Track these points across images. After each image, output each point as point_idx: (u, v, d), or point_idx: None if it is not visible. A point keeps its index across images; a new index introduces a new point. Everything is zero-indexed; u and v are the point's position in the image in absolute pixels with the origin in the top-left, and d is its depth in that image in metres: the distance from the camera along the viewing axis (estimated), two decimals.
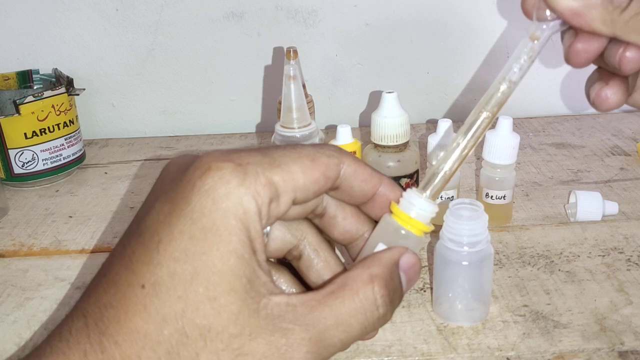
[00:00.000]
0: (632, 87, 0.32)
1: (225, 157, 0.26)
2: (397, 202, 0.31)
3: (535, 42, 0.30)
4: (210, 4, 0.78)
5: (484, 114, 0.31)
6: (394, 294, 0.28)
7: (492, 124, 0.55)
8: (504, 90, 0.31)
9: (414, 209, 0.31)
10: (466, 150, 0.31)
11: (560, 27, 0.30)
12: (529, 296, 0.46)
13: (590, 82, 0.32)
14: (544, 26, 0.30)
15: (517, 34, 0.79)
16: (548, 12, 0.29)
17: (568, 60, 0.30)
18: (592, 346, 0.41)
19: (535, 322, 0.43)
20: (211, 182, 0.25)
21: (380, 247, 0.30)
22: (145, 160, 0.76)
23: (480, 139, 0.32)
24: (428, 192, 0.31)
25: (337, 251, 0.34)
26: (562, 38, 0.31)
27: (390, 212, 0.31)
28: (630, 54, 0.29)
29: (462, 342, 0.42)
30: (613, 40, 0.29)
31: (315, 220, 0.32)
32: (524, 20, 0.31)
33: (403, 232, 0.30)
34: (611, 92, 0.31)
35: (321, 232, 0.33)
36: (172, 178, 0.27)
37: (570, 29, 0.30)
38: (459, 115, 0.82)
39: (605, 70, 0.32)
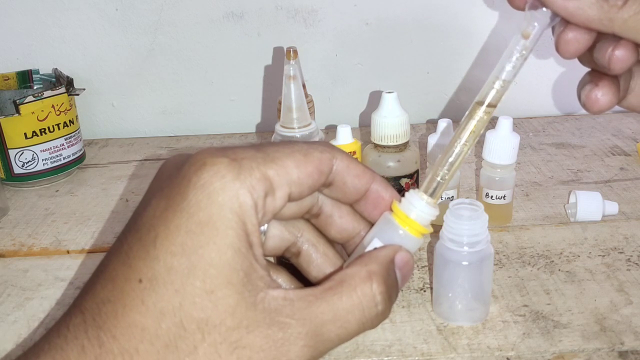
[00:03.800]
0: (625, 89, 0.32)
1: (220, 153, 0.27)
2: (390, 200, 0.31)
3: (527, 38, 0.30)
4: (210, 4, 0.78)
5: (479, 114, 0.31)
6: (392, 291, 0.29)
7: (492, 124, 0.55)
8: (497, 89, 0.31)
9: (414, 210, 0.31)
10: (464, 150, 0.31)
11: (551, 22, 0.30)
12: (529, 296, 0.46)
13: (581, 85, 0.32)
14: (535, 23, 0.30)
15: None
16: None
17: (558, 49, 0.30)
18: (592, 346, 0.41)
19: (535, 322, 0.43)
20: (206, 177, 0.26)
21: (376, 242, 0.31)
22: (145, 160, 0.76)
23: (477, 139, 0.32)
24: (429, 194, 0.31)
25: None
26: (553, 28, 0.31)
27: (391, 210, 0.31)
28: (619, 52, 0.29)
29: (462, 342, 0.42)
30: (603, 39, 0.29)
31: (312, 221, 0.32)
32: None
33: (401, 232, 0.31)
34: (601, 94, 0.31)
35: (319, 231, 0.33)
36: (168, 175, 0.28)
37: (561, 19, 0.30)
38: (459, 115, 0.82)
39: (596, 72, 0.32)
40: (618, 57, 0.29)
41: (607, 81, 0.31)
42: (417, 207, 0.31)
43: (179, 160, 0.28)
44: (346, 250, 0.33)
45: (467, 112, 0.32)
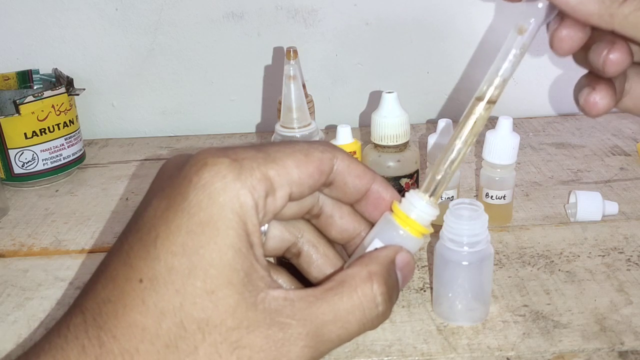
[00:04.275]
0: (620, 92, 0.32)
1: (220, 153, 0.27)
2: (391, 200, 0.31)
3: (523, 34, 0.30)
4: (210, 4, 0.78)
5: (479, 110, 0.31)
6: (392, 291, 0.29)
7: (492, 124, 0.55)
8: (496, 85, 0.31)
9: (415, 211, 0.31)
10: (464, 150, 0.31)
11: (546, 18, 0.30)
12: (529, 296, 0.46)
13: (578, 88, 0.32)
14: (532, 19, 0.30)
15: None
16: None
17: (552, 46, 0.30)
18: (592, 346, 0.41)
19: (535, 322, 0.43)
20: (207, 177, 0.26)
21: (377, 243, 0.31)
22: (145, 160, 0.76)
23: (476, 138, 0.32)
24: (429, 193, 0.31)
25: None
26: (548, 25, 0.31)
27: (391, 210, 0.31)
28: (614, 55, 0.29)
29: (462, 342, 0.42)
30: (598, 40, 0.29)
31: (312, 221, 0.32)
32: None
33: (401, 232, 0.31)
34: (599, 97, 0.31)
35: (319, 232, 0.33)
36: (169, 175, 0.28)
37: (556, 15, 0.30)
38: (459, 116, 0.82)
39: (593, 74, 0.32)
40: (613, 60, 0.29)
41: (604, 84, 0.31)
42: (417, 208, 0.31)
43: (179, 160, 0.28)
44: (347, 251, 0.33)
45: (466, 109, 0.31)
